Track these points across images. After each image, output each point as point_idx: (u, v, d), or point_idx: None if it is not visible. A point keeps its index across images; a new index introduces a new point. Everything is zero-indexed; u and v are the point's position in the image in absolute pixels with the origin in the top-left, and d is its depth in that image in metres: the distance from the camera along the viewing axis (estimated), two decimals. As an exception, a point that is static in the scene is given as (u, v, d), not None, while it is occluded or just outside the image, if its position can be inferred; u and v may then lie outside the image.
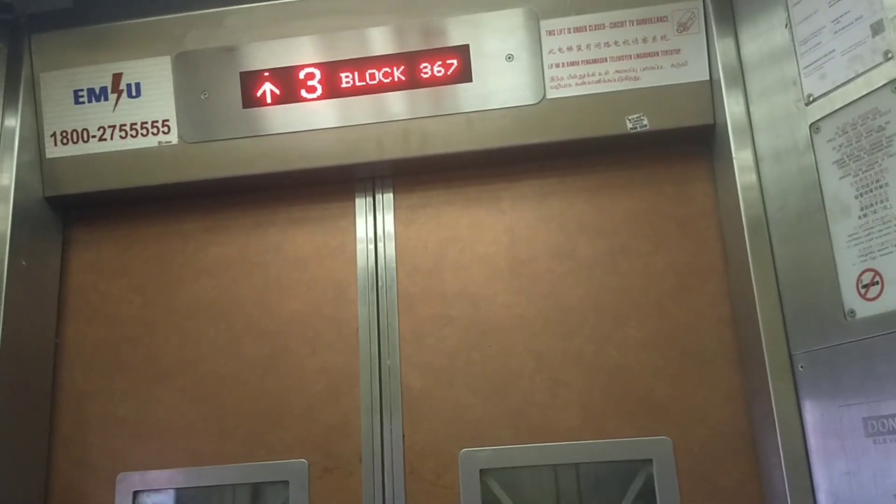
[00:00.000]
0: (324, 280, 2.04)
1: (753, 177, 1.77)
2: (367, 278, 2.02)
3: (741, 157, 1.78)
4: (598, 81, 1.91)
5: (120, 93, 2.05)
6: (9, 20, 2.09)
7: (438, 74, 1.95)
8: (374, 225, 2.06)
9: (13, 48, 2.09)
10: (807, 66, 1.64)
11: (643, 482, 1.82)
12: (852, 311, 1.51)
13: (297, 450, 1.93)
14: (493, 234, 2.01)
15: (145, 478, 1.96)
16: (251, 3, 2.03)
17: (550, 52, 1.92)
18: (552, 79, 1.92)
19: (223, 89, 2.01)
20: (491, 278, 1.98)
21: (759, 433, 1.73)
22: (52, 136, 2.07)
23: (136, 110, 2.05)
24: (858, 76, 1.54)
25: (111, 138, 2.05)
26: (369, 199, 2.08)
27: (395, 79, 1.96)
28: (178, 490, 1.97)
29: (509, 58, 1.93)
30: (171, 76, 2.03)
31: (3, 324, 1.89)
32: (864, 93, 1.53)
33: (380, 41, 1.97)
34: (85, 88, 2.07)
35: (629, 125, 1.90)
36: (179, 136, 2.03)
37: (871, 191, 1.50)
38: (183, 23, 2.05)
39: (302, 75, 1.99)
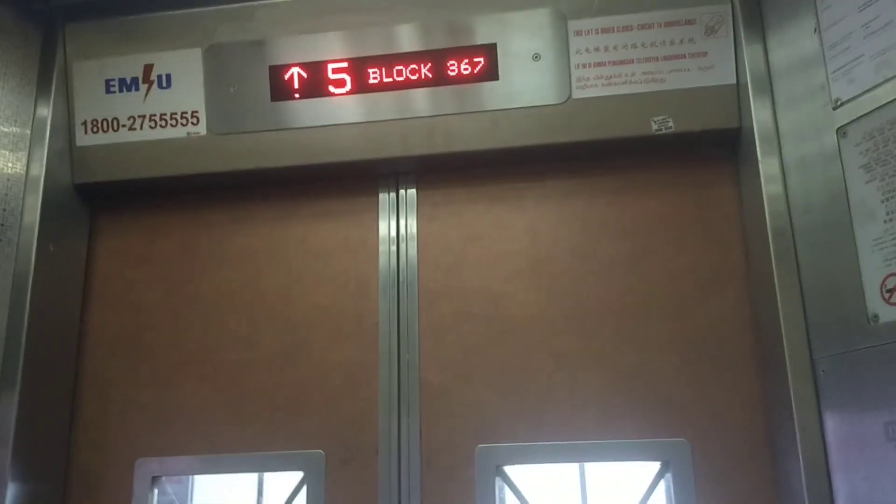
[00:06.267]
0: (345, 274, 2.05)
1: (780, 186, 1.76)
2: (389, 273, 2.03)
3: (767, 165, 1.78)
4: (625, 83, 1.91)
5: (151, 83, 2.08)
6: (44, 10, 2.12)
7: (465, 72, 1.97)
8: (397, 221, 2.07)
9: (47, 37, 2.13)
10: (835, 71, 1.64)
11: (659, 484, 1.82)
12: (876, 316, 1.51)
13: (315, 440, 1.94)
14: (515, 233, 2.01)
15: (164, 463, 1.98)
16: (282, -3, 2.06)
17: (577, 52, 1.93)
18: (578, 79, 1.93)
19: (252, 82, 2.04)
20: (512, 276, 1.98)
21: (778, 437, 1.73)
22: (82, 124, 2.10)
23: (165, 101, 2.07)
24: (887, 81, 1.53)
25: (141, 128, 2.08)
26: (392, 195, 2.09)
27: (422, 76, 1.98)
28: (195, 476, 1.99)
29: (536, 57, 1.94)
30: (202, 68, 2.06)
31: (30, 307, 1.92)
32: (893, 97, 1.52)
33: (408, 38, 1.99)
34: (116, 78, 2.10)
35: (654, 127, 1.90)
36: (208, 128, 2.05)
37: (898, 195, 1.50)
38: (214, 16, 2.07)
39: (330, 70, 2.01)
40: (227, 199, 2.14)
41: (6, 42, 2.02)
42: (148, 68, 2.09)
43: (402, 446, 1.90)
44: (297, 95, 2.02)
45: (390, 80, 1.99)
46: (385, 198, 2.09)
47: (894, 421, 1.44)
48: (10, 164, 1.99)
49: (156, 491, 1.97)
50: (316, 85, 2.01)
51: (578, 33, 1.94)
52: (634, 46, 1.92)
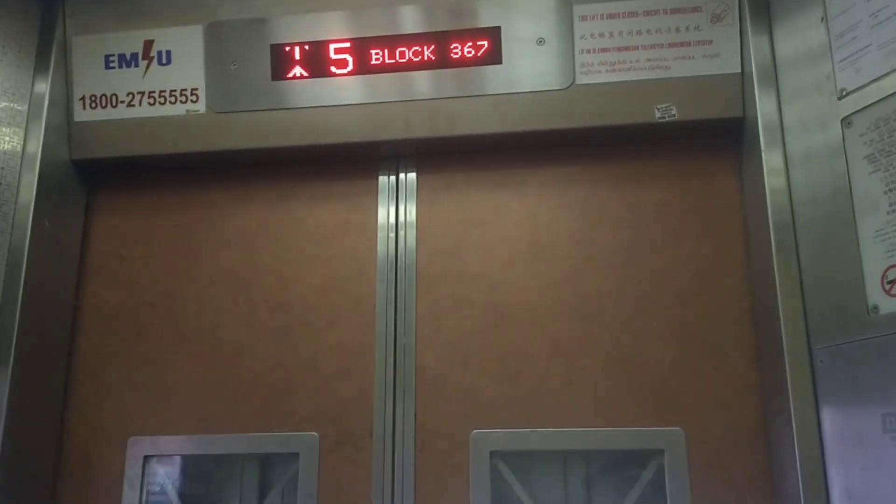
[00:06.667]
0: (344, 256, 2.04)
1: (783, 178, 1.74)
2: (387, 257, 2.02)
3: (771, 157, 1.76)
4: (629, 69, 1.90)
5: (150, 60, 2.06)
6: (44, -17, 2.11)
7: (468, 55, 1.95)
8: (397, 204, 2.06)
9: (47, 12, 2.11)
10: (841, 61, 1.63)
11: (654, 472, 1.81)
12: (876, 307, 1.50)
13: (309, 423, 1.93)
14: (515, 219, 2.00)
15: (156, 443, 1.97)
16: (284, -24, 2.04)
17: (582, 37, 1.92)
18: (582, 65, 1.91)
19: (253, 61, 2.02)
20: (511, 262, 1.97)
21: (775, 427, 1.72)
22: (81, 99, 2.09)
23: (165, 78, 2.06)
24: (894, 71, 1.52)
25: (139, 104, 2.06)
26: (393, 178, 2.08)
27: (425, 58, 1.96)
28: (187, 456, 1.98)
29: (540, 41, 1.93)
30: (202, 45, 2.04)
31: (25, 284, 1.91)
32: (899, 88, 1.51)
33: (411, 19, 1.97)
34: (116, 54, 2.08)
35: (658, 114, 1.89)
36: (207, 106, 2.04)
37: (902, 186, 1.49)
38: (217, -7, 2.06)
39: (332, 50, 1.99)
40: (226, 178, 2.12)
41: (5, 16, 2.00)
42: (148, 44, 2.07)
43: (396, 430, 1.90)
44: (298, 75, 2.00)
45: (393, 61, 1.97)
46: (385, 181, 2.08)
47: (892, 413, 1.43)
48: (6, 140, 1.97)
49: (147, 469, 1.96)
50: (317, 65, 1.99)
51: (583, 18, 1.92)
52: (639, 33, 1.90)
